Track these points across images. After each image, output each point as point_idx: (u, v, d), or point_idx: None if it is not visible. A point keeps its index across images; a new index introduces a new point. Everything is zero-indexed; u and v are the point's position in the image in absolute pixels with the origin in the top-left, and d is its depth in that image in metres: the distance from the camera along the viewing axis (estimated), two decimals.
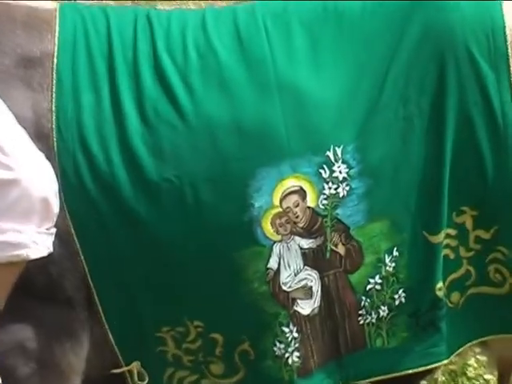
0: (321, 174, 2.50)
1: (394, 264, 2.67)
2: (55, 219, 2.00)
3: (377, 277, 2.67)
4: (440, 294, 2.70)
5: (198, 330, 2.57)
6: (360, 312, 2.71)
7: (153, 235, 2.42)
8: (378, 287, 2.68)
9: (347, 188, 2.53)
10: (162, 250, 2.44)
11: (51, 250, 1.98)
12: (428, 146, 2.54)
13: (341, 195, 2.54)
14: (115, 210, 2.38)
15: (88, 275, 2.39)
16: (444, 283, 2.72)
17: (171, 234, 2.42)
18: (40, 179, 1.91)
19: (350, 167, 2.52)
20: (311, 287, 2.67)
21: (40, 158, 2.00)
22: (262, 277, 2.53)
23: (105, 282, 2.42)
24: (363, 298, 2.67)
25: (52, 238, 1.97)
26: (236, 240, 2.45)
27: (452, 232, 2.71)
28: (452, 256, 2.72)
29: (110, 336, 2.47)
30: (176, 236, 2.42)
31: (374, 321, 2.73)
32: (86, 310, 2.40)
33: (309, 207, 2.53)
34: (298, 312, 2.70)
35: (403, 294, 2.71)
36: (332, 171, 2.50)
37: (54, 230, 1.98)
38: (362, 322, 2.72)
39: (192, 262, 2.44)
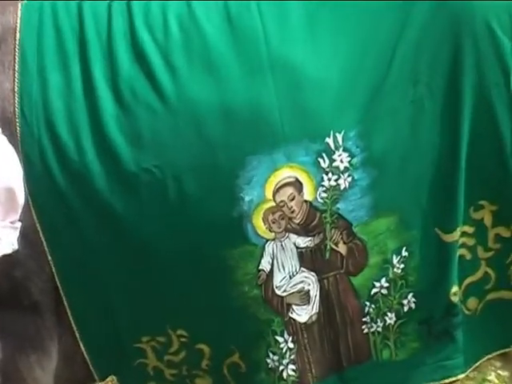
0: (319, 163, 2.44)
1: (402, 265, 2.61)
2: (20, 211, 1.94)
3: (383, 280, 2.61)
4: (455, 299, 2.64)
5: (182, 340, 2.53)
6: (364, 319, 2.66)
7: (131, 234, 2.39)
8: (384, 291, 2.63)
9: (349, 179, 2.47)
10: (141, 251, 2.41)
11: (16, 247, 1.95)
12: (441, 132, 2.50)
13: (342, 187, 2.48)
14: (87, 205, 2.35)
15: (56, 278, 2.38)
16: (460, 287, 2.67)
17: (152, 232, 2.39)
18: (3, 166, 1.85)
19: (352, 156, 2.46)
20: (308, 291, 2.60)
21: (2, 142, 1.94)
22: (252, 279, 2.49)
23: (76, 285, 2.40)
24: (367, 303, 2.63)
25: (17, 234, 1.93)
26: (224, 238, 2.41)
27: (469, 229, 2.65)
28: (468, 257, 2.67)
29: (82, 346, 2.45)
30: (157, 234, 2.39)
31: (379, 329, 2.67)
32: (54, 316, 2.38)
33: (306, 201, 2.48)
34: (294, 319, 2.63)
35: (413, 300, 2.65)
36: (332, 160, 2.44)
37: (18, 225, 1.94)
38: (366, 331, 2.67)
39: (175, 263, 2.41)
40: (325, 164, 2.41)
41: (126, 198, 2.33)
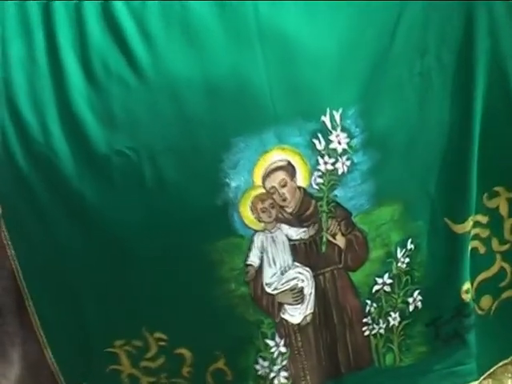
0: (314, 144, 2.42)
1: (407, 259, 2.60)
2: None
3: (386, 275, 2.60)
4: (467, 297, 2.64)
5: (160, 343, 2.53)
6: (365, 320, 2.65)
7: (102, 224, 2.37)
8: (387, 288, 2.62)
9: (348, 163, 2.46)
10: (113, 243, 2.39)
11: None
12: (451, 108, 2.48)
13: (340, 172, 2.47)
14: (54, 193, 2.32)
15: (19, 274, 2.32)
16: (472, 284, 2.67)
17: (125, 222, 2.36)
18: None
19: (351, 136, 2.44)
20: (302, 289, 2.59)
21: None
22: (240, 276, 2.47)
23: (40, 282, 2.39)
24: (368, 302, 2.62)
25: None
26: (207, 229, 2.39)
27: (482, 219, 2.64)
28: (482, 250, 2.66)
29: (48, 352, 2.44)
30: (131, 225, 2.37)
31: (382, 331, 2.67)
32: (16, 319, 2.34)
33: (299, 187, 2.47)
34: (286, 320, 2.62)
35: (419, 298, 2.65)
36: (328, 141, 2.42)
37: None
38: (367, 333, 2.66)
39: (152, 257, 2.39)
40: (320, 146, 2.39)
41: (97, 185, 2.30)
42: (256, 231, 2.43)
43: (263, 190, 2.39)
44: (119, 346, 2.47)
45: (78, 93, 2.25)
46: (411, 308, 2.62)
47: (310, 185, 2.42)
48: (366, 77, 2.36)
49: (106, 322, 2.45)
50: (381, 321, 2.61)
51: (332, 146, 2.38)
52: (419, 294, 2.60)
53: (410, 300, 2.61)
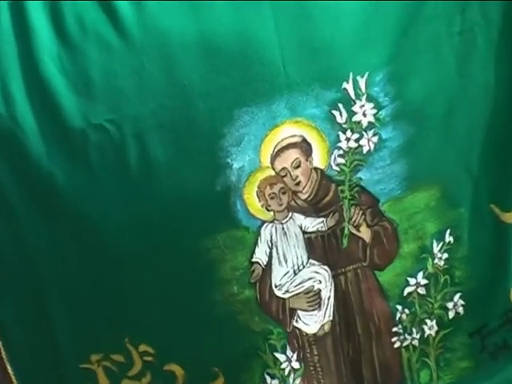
0: (334, 117, 2.44)
1: (446, 255, 2.62)
2: None
3: (420, 275, 2.62)
4: None
5: (146, 358, 2.54)
6: (395, 329, 2.67)
7: (76, 215, 2.38)
8: (421, 291, 2.63)
9: (375, 139, 2.48)
10: (90, 239, 2.40)
11: None
12: (498, 72, 2.48)
13: (365, 150, 2.49)
14: (18, 175, 2.31)
15: None
16: None
17: (104, 212, 2.38)
18: None
19: (379, 107, 2.46)
20: (319, 292, 2.61)
21: None
22: (243, 276, 2.49)
23: (1, 285, 2.44)
24: (399, 307, 2.64)
25: None
26: (204, 220, 2.41)
27: None
28: None
29: (11, 371, 2.43)
30: (112, 216, 2.39)
31: (416, 343, 2.68)
32: None
33: (316, 169, 2.50)
34: (300, 330, 2.62)
35: (461, 302, 2.66)
36: (351, 113, 2.44)
37: None
38: (397, 345, 2.68)
39: (137, 256, 2.42)
40: (342, 118, 2.42)
41: (70, 165, 2.31)
42: (263, 222, 2.48)
43: (272, 172, 2.43)
44: (96, 362, 2.48)
45: (48, 55, 2.24)
46: (451, 315, 2.64)
47: (329, 166, 2.46)
48: (395, 36, 2.39)
49: (81, 332, 2.48)
50: (414, 330, 2.63)
51: (356, 118, 2.41)
52: (461, 297, 2.63)
53: (450, 305, 2.63)
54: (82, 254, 2.44)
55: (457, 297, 2.62)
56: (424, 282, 2.59)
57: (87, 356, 2.50)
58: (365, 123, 2.42)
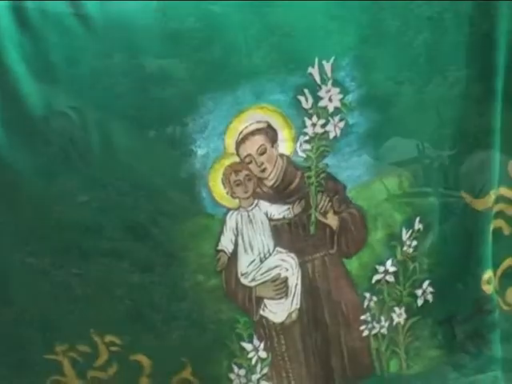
0: (300, 102, 2.60)
1: (415, 242, 2.77)
2: None
3: (388, 262, 2.79)
4: (488, 289, 2.81)
5: (112, 349, 2.69)
6: (363, 317, 2.83)
7: (36, 203, 2.57)
8: (390, 278, 2.79)
9: (341, 124, 2.64)
10: (50, 226, 2.60)
11: None
12: (468, 60, 2.71)
13: (331, 136, 2.65)
14: None
15: None
16: (495, 273, 2.83)
17: (67, 203, 2.59)
18: None
19: (345, 92, 2.61)
20: (286, 280, 2.77)
21: None
22: (209, 265, 2.67)
23: None
24: (367, 295, 2.81)
25: None
26: (169, 208, 2.61)
27: (507, 193, 2.82)
28: (507, 230, 2.83)
29: None
30: (75, 205, 2.58)
31: (384, 331, 2.85)
32: None
33: (282, 155, 2.66)
34: (267, 319, 2.80)
35: (430, 289, 2.82)
36: (317, 98, 2.60)
37: None
38: (366, 333, 2.84)
39: (100, 244, 2.64)
40: (307, 104, 2.57)
41: (30, 154, 2.45)
42: (229, 209, 2.64)
43: (237, 159, 2.58)
44: (61, 352, 2.63)
45: (8, 39, 2.36)
46: (420, 302, 2.78)
47: (295, 152, 2.60)
48: (363, 19, 2.55)
49: (45, 322, 2.62)
50: (383, 318, 2.78)
51: (322, 103, 2.55)
52: (430, 284, 2.77)
53: (419, 292, 2.78)
54: (43, 242, 2.59)
55: (426, 284, 2.75)
56: (393, 269, 2.72)
57: (52, 346, 2.63)
58: (331, 108, 2.54)
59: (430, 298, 2.75)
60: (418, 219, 2.67)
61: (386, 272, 2.69)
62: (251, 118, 2.52)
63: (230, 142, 2.46)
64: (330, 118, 2.56)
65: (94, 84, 2.45)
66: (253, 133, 2.41)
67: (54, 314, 2.63)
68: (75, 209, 2.56)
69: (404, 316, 2.63)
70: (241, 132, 2.42)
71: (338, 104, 2.55)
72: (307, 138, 2.56)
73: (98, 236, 2.58)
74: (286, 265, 2.59)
